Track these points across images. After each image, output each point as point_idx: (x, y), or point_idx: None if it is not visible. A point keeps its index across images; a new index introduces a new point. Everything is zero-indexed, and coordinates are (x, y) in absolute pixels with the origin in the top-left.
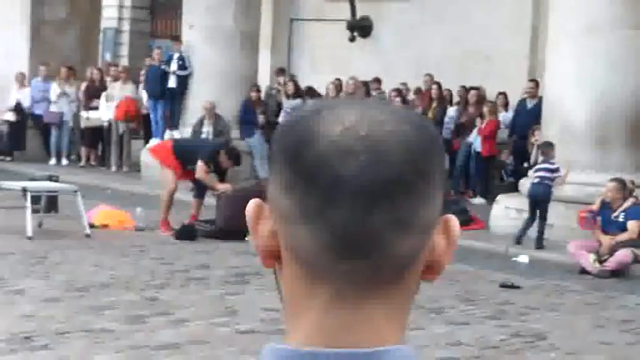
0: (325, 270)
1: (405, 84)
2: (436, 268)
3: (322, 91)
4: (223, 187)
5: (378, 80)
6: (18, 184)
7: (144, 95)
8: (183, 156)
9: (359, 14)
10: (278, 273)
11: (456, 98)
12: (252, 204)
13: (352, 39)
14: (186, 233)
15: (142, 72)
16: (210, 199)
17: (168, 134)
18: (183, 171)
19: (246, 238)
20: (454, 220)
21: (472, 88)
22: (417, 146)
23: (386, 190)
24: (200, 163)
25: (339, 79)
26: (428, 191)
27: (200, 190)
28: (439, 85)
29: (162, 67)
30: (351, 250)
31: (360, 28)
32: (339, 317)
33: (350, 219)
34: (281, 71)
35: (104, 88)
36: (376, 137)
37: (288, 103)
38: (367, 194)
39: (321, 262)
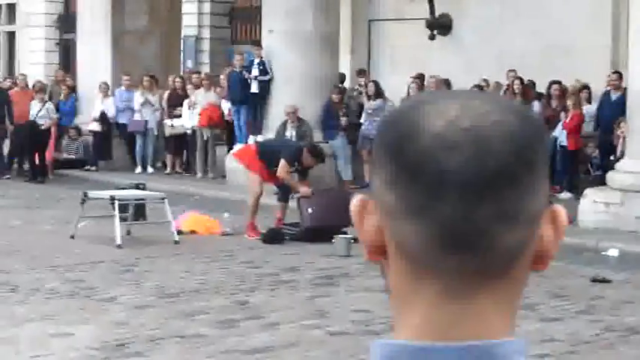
0: (432, 265)
1: (486, 80)
2: (545, 259)
3: (403, 90)
4: (304, 190)
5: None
6: (106, 193)
7: (226, 101)
8: (267, 157)
9: (438, 12)
10: (385, 269)
11: (539, 92)
12: (356, 199)
13: (432, 37)
14: (273, 237)
15: (222, 77)
16: (293, 202)
17: (251, 139)
18: (268, 173)
19: (332, 241)
20: (561, 210)
21: (554, 82)
22: (521, 136)
23: (491, 183)
24: (282, 162)
25: (420, 76)
26: (533, 182)
27: (284, 193)
28: (521, 80)
29: (243, 73)
30: (458, 245)
31: (440, 26)
32: (448, 312)
33: (456, 213)
34: (361, 72)
35: (186, 95)
36: (480, 129)
37: (369, 105)
38: (473, 188)
39: (428, 257)
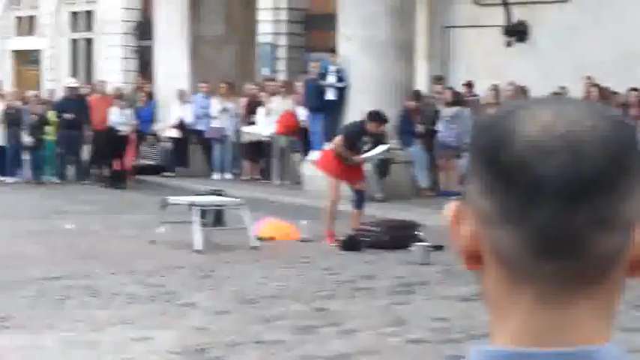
0: (529, 271)
1: (563, 87)
2: None
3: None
4: (359, 158)
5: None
6: (185, 199)
7: (302, 109)
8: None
9: (514, 19)
10: (480, 275)
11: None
12: (452, 205)
13: (508, 44)
14: (351, 244)
15: (298, 84)
16: (370, 209)
17: (327, 146)
18: (343, 169)
19: (411, 248)
20: None
21: (632, 89)
22: (616, 142)
23: (587, 189)
24: (338, 137)
25: (495, 86)
26: (628, 187)
27: (360, 200)
28: (599, 87)
29: (319, 81)
30: (554, 251)
31: (516, 32)
32: (545, 318)
33: (552, 220)
34: (438, 79)
35: (263, 103)
36: (574, 135)
37: (446, 112)
38: (568, 194)
39: (524, 264)
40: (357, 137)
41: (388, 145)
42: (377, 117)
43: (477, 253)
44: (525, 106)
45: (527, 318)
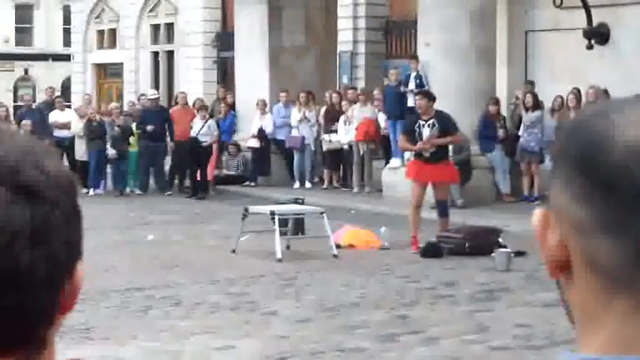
0: (626, 281)
1: None
2: None
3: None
4: (422, 145)
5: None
6: (266, 208)
7: (382, 116)
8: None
9: (595, 21)
10: (563, 284)
11: None
12: (538, 213)
13: (590, 47)
14: (432, 251)
15: (376, 92)
16: (450, 215)
17: (407, 153)
18: (431, 172)
19: (492, 254)
20: None
21: None
22: None
23: None
24: (400, 137)
25: (577, 89)
26: None
27: (444, 207)
28: None
29: (401, 88)
30: None
31: (598, 35)
32: (638, 327)
33: None
34: (530, 84)
35: (343, 111)
36: None
37: (527, 116)
38: None
39: (623, 274)
40: (411, 127)
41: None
42: (423, 93)
43: (565, 262)
44: (617, 109)
45: (620, 328)
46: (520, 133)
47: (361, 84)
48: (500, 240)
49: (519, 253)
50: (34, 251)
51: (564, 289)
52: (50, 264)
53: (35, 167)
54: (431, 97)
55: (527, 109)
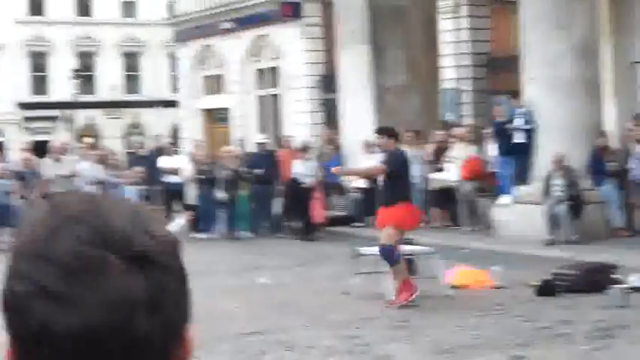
0: None
1: None
2: None
3: None
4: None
5: None
6: (376, 249)
7: (490, 153)
8: None
9: None
10: None
11: None
12: None
13: None
14: (547, 289)
15: (486, 130)
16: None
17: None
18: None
19: (607, 291)
20: None
21: None
22: None
23: None
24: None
25: None
26: None
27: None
28: None
29: (506, 124)
30: None
31: None
32: None
33: None
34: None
35: (449, 148)
36: None
37: (638, 149)
38: None
39: None
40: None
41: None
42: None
43: None
44: None
45: None
46: (631, 166)
47: (467, 121)
48: (615, 275)
49: (636, 289)
50: (151, 320)
51: None
52: (165, 331)
53: (145, 233)
54: (382, 134)
55: (637, 142)
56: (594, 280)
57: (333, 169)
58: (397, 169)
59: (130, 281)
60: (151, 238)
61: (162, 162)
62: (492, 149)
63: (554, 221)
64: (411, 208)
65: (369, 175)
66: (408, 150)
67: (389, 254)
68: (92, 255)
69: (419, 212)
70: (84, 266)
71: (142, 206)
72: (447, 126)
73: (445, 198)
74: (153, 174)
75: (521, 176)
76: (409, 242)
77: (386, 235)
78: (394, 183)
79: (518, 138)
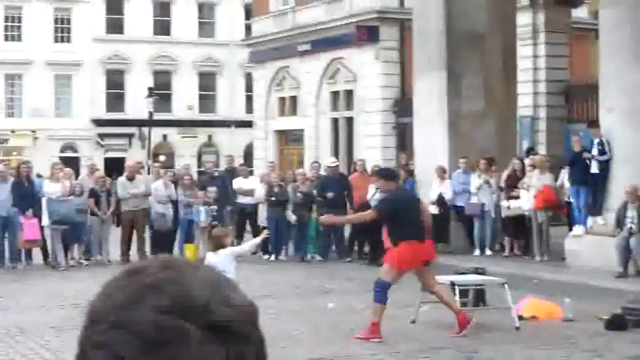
0: None
1: None
2: None
3: None
4: None
5: None
6: (446, 278)
7: (565, 182)
8: None
9: None
10: None
11: None
12: None
13: None
14: (617, 323)
15: (562, 159)
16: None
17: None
18: None
19: None
20: None
21: None
22: None
23: None
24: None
25: None
26: None
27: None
28: None
29: (585, 155)
30: None
31: None
32: None
33: None
34: None
35: (523, 176)
36: None
37: None
38: None
39: None
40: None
41: None
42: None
43: None
44: None
45: None
46: None
47: (542, 149)
48: None
49: None
50: None
51: None
52: None
53: (224, 303)
54: (382, 176)
55: None
56: None
57: (322, 218)
58: (392, 210)
59: (209, 351)
60: (231, 307)
61: (237, 183)
62: (567, 179)
63: (625, 253)
64: (413, 247)
65: (361, 222)
66: (482, 177)
67: (380, 289)
68: (171, 325)
69: (424, 248)
70: (163, 337)
71: (221, 274)
72: (522, 154)
73: (518, 226)
74: (225, 194)
75: (595, 207)
76: (480, 272)
77: (385, 270)
78: (392, 224)
79: (594, 168)
